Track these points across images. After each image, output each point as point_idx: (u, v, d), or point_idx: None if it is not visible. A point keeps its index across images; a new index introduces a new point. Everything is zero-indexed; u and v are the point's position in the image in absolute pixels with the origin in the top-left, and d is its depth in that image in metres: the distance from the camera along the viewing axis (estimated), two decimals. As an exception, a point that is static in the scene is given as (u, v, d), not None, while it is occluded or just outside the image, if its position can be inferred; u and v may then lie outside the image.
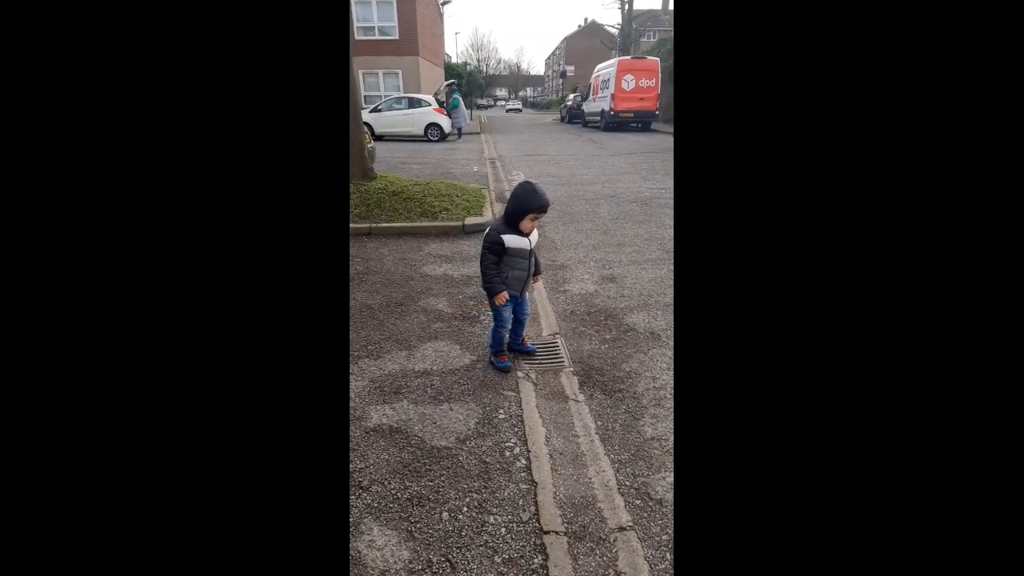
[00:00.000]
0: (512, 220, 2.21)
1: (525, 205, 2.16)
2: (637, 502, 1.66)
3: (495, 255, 2.23)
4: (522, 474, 1.77)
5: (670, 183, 7.23)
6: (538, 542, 1.50)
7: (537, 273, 2.43)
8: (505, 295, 2.26)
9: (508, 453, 1.88)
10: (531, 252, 2.29)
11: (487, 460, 1.84)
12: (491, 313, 2.44)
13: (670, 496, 1.67)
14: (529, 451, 1.88)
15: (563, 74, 45.08)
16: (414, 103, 14.15)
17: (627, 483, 1.74)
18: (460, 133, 15.33)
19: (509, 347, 2.55)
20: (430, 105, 14.05)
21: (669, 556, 1.46)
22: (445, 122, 14.08)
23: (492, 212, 5.56)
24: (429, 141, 13.95)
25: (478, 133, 17.85)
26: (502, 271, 2.27)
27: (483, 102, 63.10)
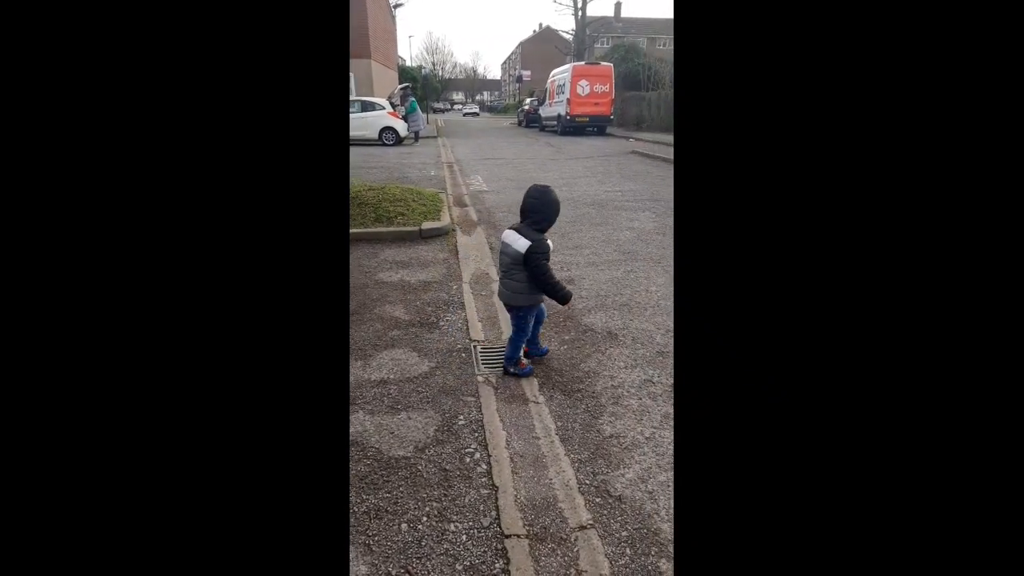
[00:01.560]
0: (543, 226, 2.16)
1: (556, 210, 2.17)
2: (597, 500, 1.68)
3: (547, 261, 2.14)
4: (483, 479, 1.76)
5: (626, 186, 7.42)
6: (499, 546, 1.49)
7: None
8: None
9: (468, 459, 1.86)
10: None
11: (447, 467, 1.82)
12: (514, 325, 2.33)
13: (629, 492, 1.70)
14: (490, 456, 1.87)
15: (519, 78, 45.38)
16: (367, 107, 13.90)
17: (587, 482, 1.76)
18: (417, 137, 15.18)
19: (527, 353, 2.49)
20: (384, 108, 13.84)
21: (629, 551, 1.49)
22: (400, 126, 13.90)
23: (450, 216, 5.52)
24: (384, 145, 13.74)
25: (435, 137, 17.73)
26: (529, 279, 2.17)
27: (439, 106, 62.76)
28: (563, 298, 2.15)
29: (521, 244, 2.13)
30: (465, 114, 49.45)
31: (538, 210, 2.15)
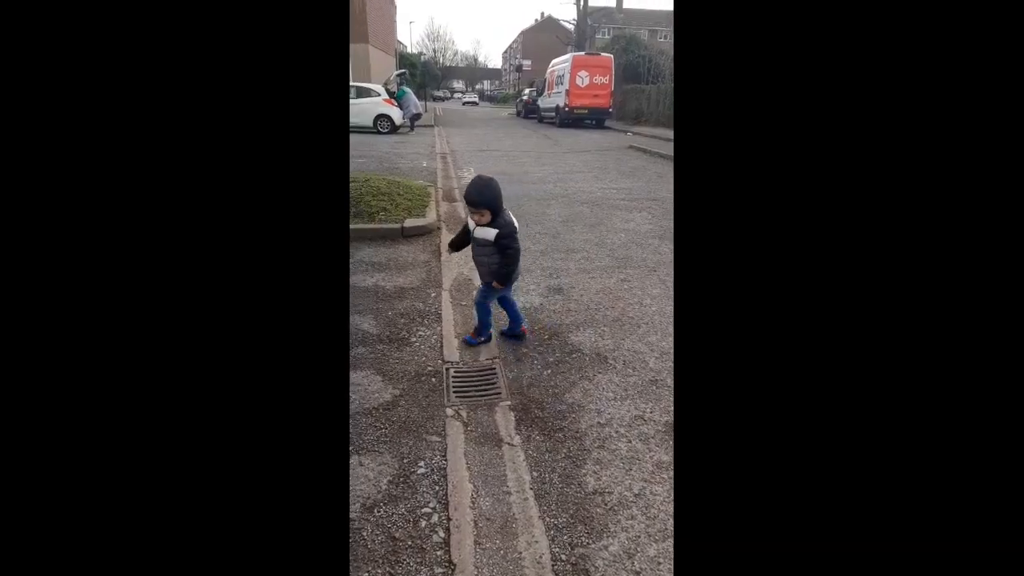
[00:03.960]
0: (498, 209, 2.30)
1: (499, 192, 2.31)
2: (574, 582, 1.39)
3: (515, 238, 2.36)
4: (438, 552, 1.47)
5: (623, 183, 7.10)
6: (450, 651, 1.21)
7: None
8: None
9: (424, 523, 1.57)
10: None
11: (396, 535, 1.52)
12: (497, 298, 2.58)
13: (612, 572, 1.42)
14: (450, 519, 1.57)
15: (519, 68, 44.60)
16: (362, 93, 13.45)
17: (563, 556, 1.47)
18: (413, 124, 14.76)
19: (506, 334, 2.69)
20: (379, 95, 13.40)
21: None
22: (396, 113, 13.48)
23: (437, 212, 5.20)
24: (379, 133, 13.33)
25: (432, 126, 17.31)
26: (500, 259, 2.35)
27: (439, 94, 61.99)
28: (504, 277, 2.37)
29: (490, 234, 2.28)
30: (464, 103, 48.81)
31: (487, 200, 2.27)
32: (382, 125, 13.39)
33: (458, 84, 73.52)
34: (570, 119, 16.84)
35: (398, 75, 14.29)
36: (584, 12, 29.05)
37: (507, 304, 2.62)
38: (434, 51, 66.29)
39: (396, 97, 13.74)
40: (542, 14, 60.21)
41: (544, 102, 19.55)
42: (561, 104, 17.00)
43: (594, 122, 17.37)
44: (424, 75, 44.91)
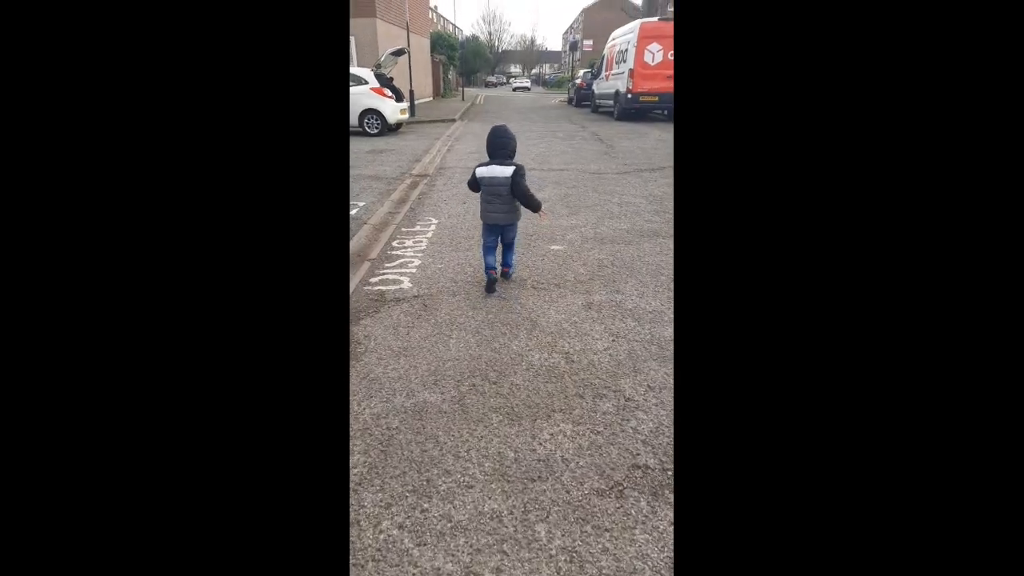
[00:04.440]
0: (512, 155, 2.73)
1: (515, 140, 2.75)
2: None
3: (525, 179, 2.71)
4: None
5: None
6: None
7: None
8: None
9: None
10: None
11: None
12: (510, 240, 2.90)
13: None
14: None
15: (574, 46, 39.43)
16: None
17: None
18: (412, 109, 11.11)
19: (505, 273, 2.98)
20: (366, 83, 9.80)
21: None
22: (389, 108, 9.84)
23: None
24: (365, 135, 9.81)
25: (453, 120, 13.63)
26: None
27: (493, 79, 58.32)
28: (537, 206, 2.72)
29: (508, 170, 2.64)
30: (515, 88, 44.78)
31: (504, 146, 2.68)
32: (370, 124, 9.80)
33: (515, 68, 69.64)
34: (633, 109, 12.55)
35: (393, 53, 10.49)
36: (655, -23, 24.13)
37: (508, 251, 2.95)
38: (489, 34, 62.64)
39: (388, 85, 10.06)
40: (606, -12, 54.39)
41: (600, 87, 15.22)
42: (622, 89, 12.68)
43: (666, 113, 12.96)
44: (471, 60, 41.08)
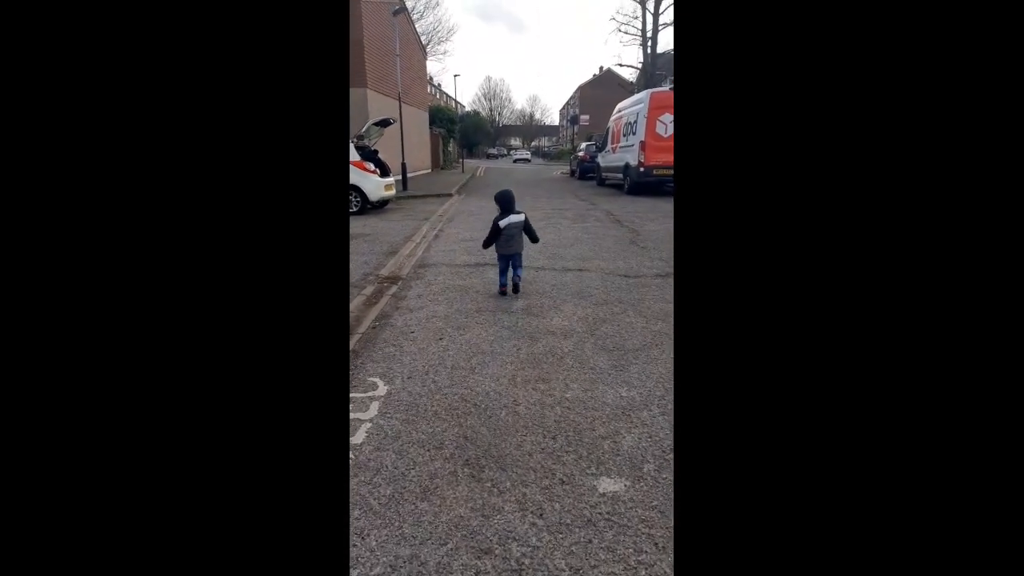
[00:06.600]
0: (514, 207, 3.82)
1: (513, 198, 3.86)
2: None
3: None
4: None
5: None
6: None
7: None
8: None
9: None
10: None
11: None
12: (521, 264, 3.98)
13: None
14: None
15: (573, 119, 40.05)
16: (325, 154, 8.75)
17: None
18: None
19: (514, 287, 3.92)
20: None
21: None
22: (372, 184, 8.54)
23: None
24: (342, 215, 8.44)
25: (449, 195, 12.45)
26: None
27: (493, 151, 59.48)
28: (536, 239, 4.04)
29: (520, 217, 3.82)
30: (515, 160, 45.17)
31: (512, 201, 3.84)
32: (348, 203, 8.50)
33: (515, 141, 71.57)
34: (646, 182, 11.39)
35: (377, 124, 9.33)
36: (653, 54, 24.35)
37: (517, 269, 3.91)
38: (491, 110, 64.78)
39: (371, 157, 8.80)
40: (601, 68, 56.73)
41: (606, 159, 14.25)
42: (633, 162, 11.60)
43: (681, 186, 11.79)
44: (471, 133, 41.57)
